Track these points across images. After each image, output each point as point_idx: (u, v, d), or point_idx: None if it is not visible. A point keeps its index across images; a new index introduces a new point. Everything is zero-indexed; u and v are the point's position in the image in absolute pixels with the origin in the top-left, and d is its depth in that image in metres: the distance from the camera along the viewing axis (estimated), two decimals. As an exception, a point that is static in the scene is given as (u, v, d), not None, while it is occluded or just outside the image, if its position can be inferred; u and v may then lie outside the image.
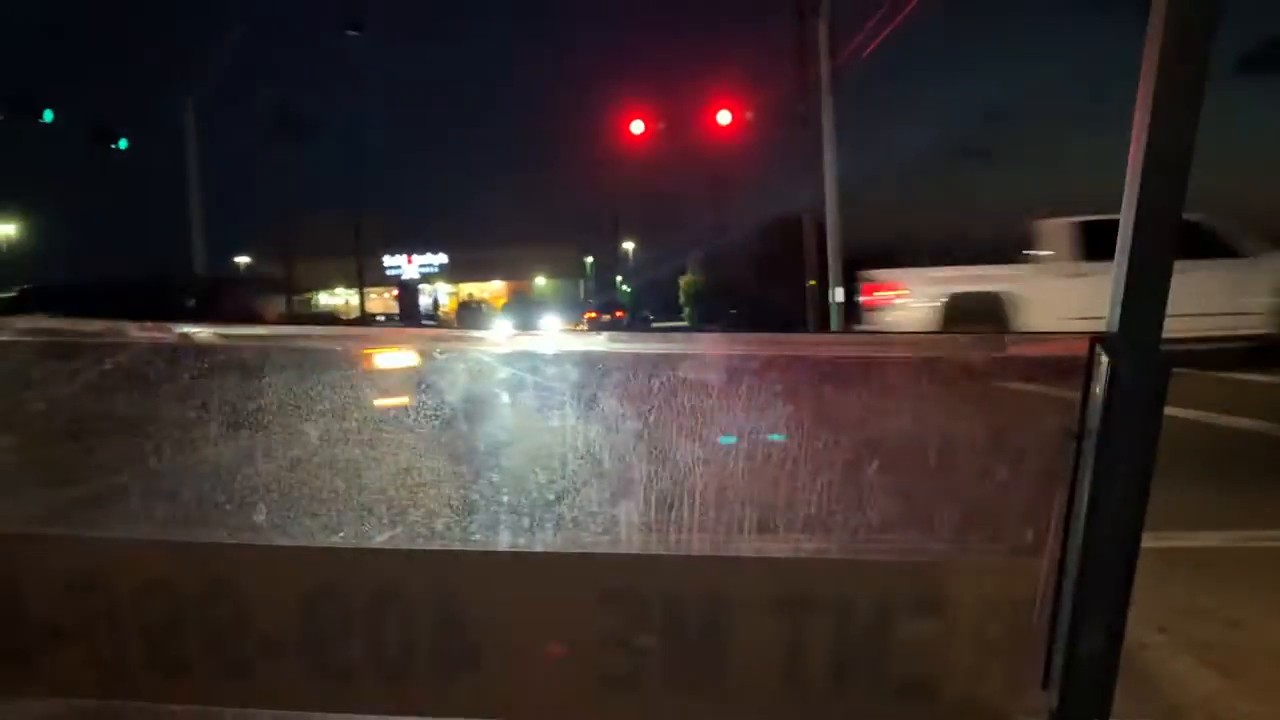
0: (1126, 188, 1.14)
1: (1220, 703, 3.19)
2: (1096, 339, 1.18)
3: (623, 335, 1.37)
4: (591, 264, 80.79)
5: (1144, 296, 1.15)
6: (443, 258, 71.37)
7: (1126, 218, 1.14)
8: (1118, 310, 1.16)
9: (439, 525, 1.41)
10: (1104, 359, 1.16)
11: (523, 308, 42.49)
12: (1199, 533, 5.15)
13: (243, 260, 71.88)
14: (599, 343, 1.38)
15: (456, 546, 1.42)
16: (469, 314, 50.55)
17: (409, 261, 70.50)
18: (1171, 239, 1.13)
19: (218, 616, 1.42)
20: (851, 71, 23.81)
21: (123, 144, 28.49)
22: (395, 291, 62.27)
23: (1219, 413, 9.52)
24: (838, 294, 24.63)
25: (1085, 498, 1.19)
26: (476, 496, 1.41)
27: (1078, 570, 1.20)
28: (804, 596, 1.35)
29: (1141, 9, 1.14)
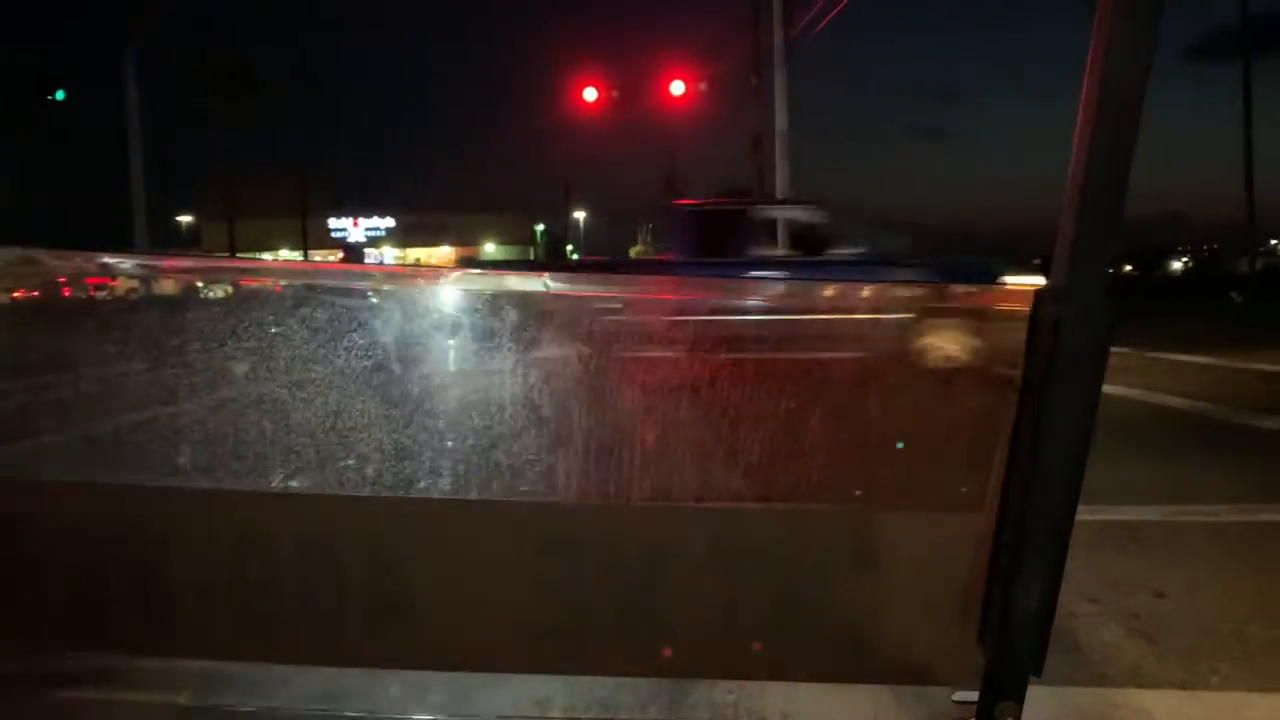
0: (1075, 142, 1.13)
1: (1145, 669, 3.27)
2: (1042, 292, 1.18)
3: (563, 277, 1.33)
4: (543, 232, 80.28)
5: (1091, 249, 1.14)
6: (390, 221, 70.45)
7: (1076, 170, 1.13)
8: (1064, 262, 1.15)
9: (370, 471, 1.37)
10: (1049, 310, 1.16)
11: None
12: (1131, 506, 5.27)
13: (184, 220, 70.46)
14: (540, 284, 1.34)
15: (387, 494, 1.38)
16: None
17: (355, 225, 69.51)
18: (1119, 194, 1.13)
19: (138, 561, 1.37)
20: (806, 44, 23.81)
21: (60, 95, 27.60)
22: (340, 254, 61.41)
23: (1152, 391, 9.75)
24: (787, 267, 24.68)
25: (1027, 451, 1.19)
26: (409, 441, 1.37)
27: (1017, 524, 1.21)
28: (743, 546, 1.34)
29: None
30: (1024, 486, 1.19)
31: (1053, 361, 1.15)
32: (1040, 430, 1.18)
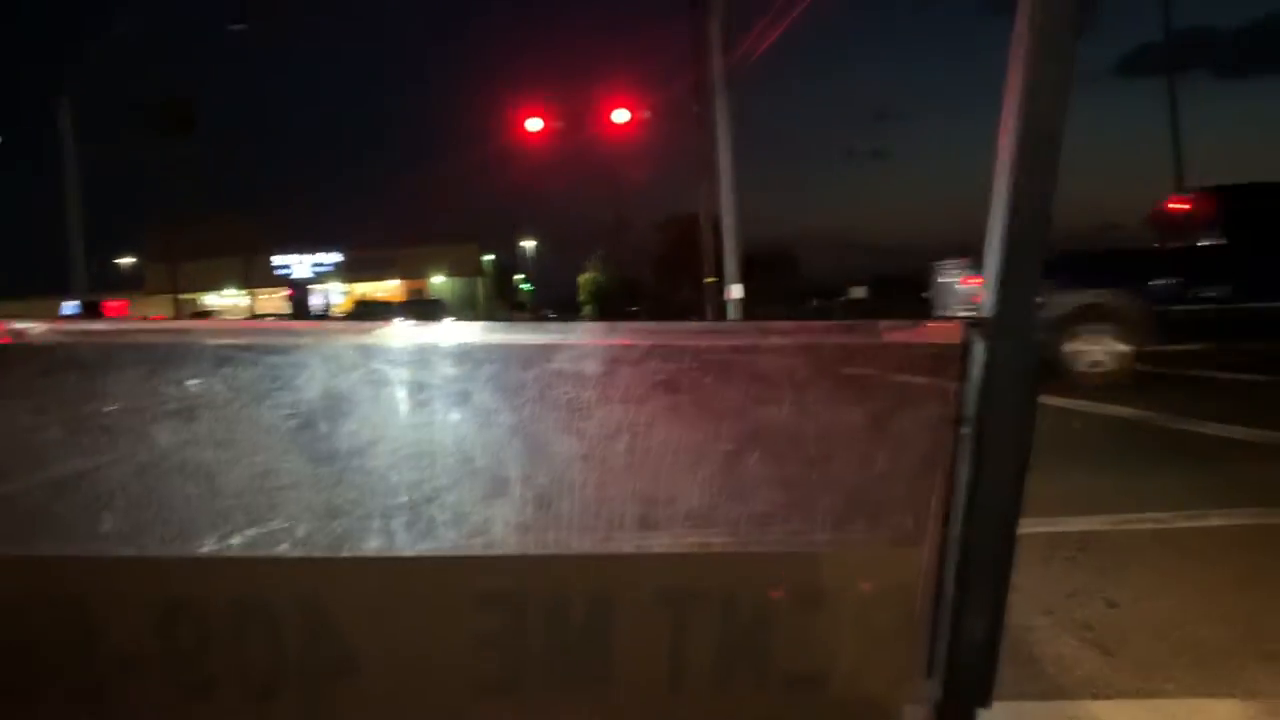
0: (995, 176, 1.14)
1: (1101, 681, 3.29)
2: (972, 324, 1.18)
3: (493, 326, 1.31)
4: (492, 262, 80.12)
5: (1017, 282, 1.15)
6: (337, 256, 69.79)
7: (998, 205, 1.14)
8: (992, 295, 1.16)
9: (301, 531, 1.34)
10: (980, 344, 1.17)
11: (419, 308, 41.80)
12: (1081, 517, 5.34)
13: (125, 262, 69.33)
14: (470, 335, 1.32)
15: (320, 554, 1.34)
16: (366, 315, 49.58)
17: (301, 261, 68.78)
18: (1042, 225, 1.14)
19: (65, 635, 1.32)
20: (747, 70, 24.10)
21: (-6, 139, 27.08)
22: (286, 291, 60.72)
23: (1098, 400, 9.92)
24: (734, 290, 24.92)
25: (964, 483, 1.19)
26: (341, 500, 1.34)
27: (958, 557, 1.21)
28: (687, 591, 1.32)
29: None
30: (963, 518, 1.20)
31: (985, 393, 1.16)
32: (976, 462, 1.18)
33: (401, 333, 1.31)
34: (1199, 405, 9.21)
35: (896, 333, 1.25)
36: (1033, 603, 3.97)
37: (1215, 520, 5.28)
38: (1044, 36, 1.10)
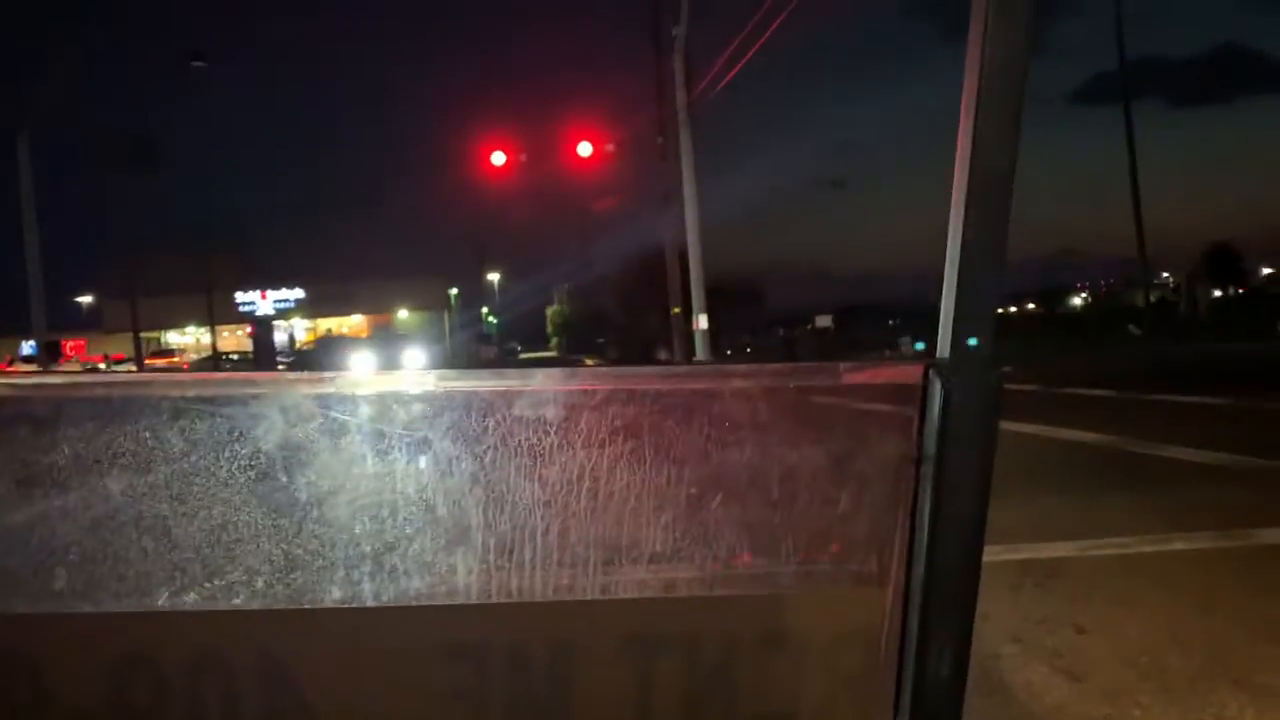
0: (951, 213, 1.16)
1: (1071, 709, 3.32)
2: (930, 364, 1.19)
3: (452, 373, 1.30)
4: (457, 295, 79.93)
5: (972, 320, 1.16)
6: (299, 292, 69.37)
7: (953, 244, 1.15)
8: (948, 335, 1.17)
9: (260, 583, 1.31)
10: (938, 384, 1.17)
11: (385, 343, 41.58)
12: (1049, 543, 5.39)
13: (84, 300, 68.48)
14: (428, 381, 1.31)
15: (280, 605, 1.32)
16: (328, 350, 49.20)
17: (263, 297, 68.27)
18: (997, 263, 1.15)
19: (15, 694, 1.29)
20: (710, 103, 24.35)
21: (-54, 176, 26.72)
22: (248, 328, 60.18)
23: (1061, 426, 10.03)
24: (701, 321, 25.04)
25: (926, 522, 1.20)
26: (300, 551, 1.32)
27: (922, 595, 1.21)
28: (651, 637, 1.31)
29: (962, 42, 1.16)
30: (925, 559, 1.20)
31: (944, 433, 1.17)
32: (937, 502, 1.18)
33: (360, 381, 1.30)
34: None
35: (856, 374, 1.26)
36: (1002, 630, 4.00)
37: (1178, 544, 5.34)
38: (991, 81, 1.12)
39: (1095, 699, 3.41)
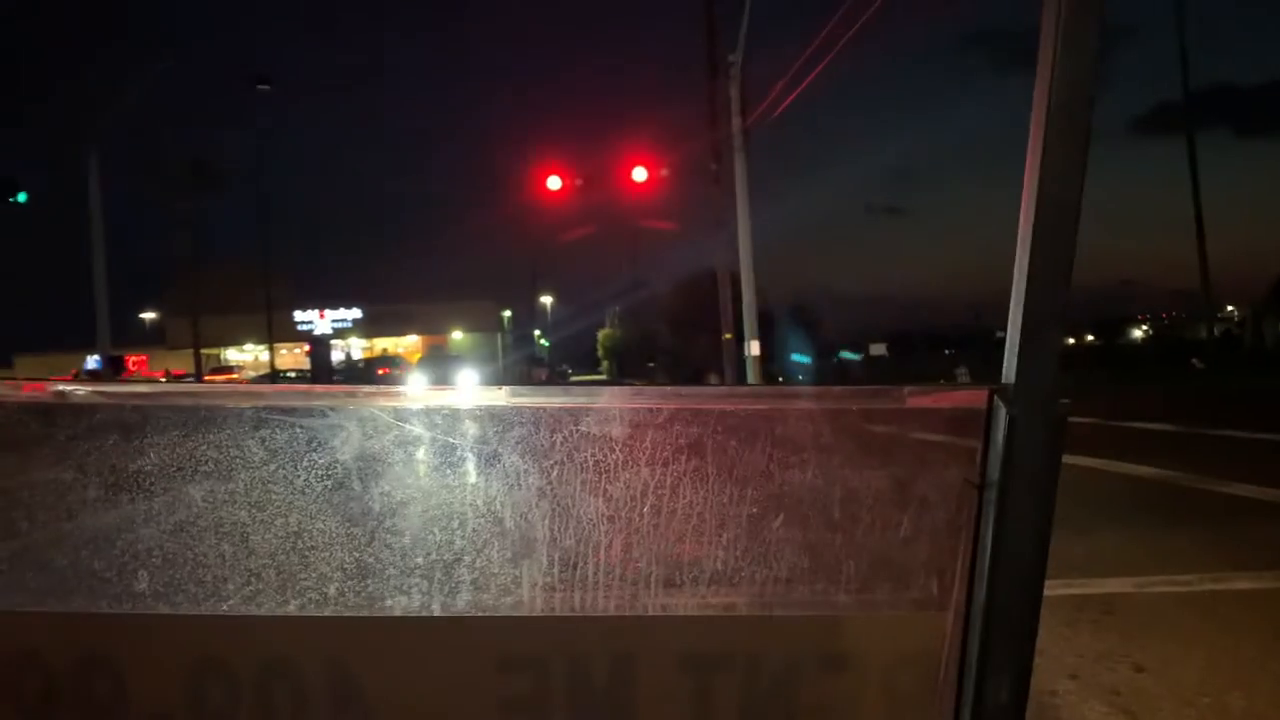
0: (1019, 242, 1.16)
1: (1129, 748, 3.25)
2: (994, 390, 1.19)
3: (523, 390, 1.34)
4: (509, 318, 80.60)
5: (1039, 348, 1.16)
6: (356, 312, 70.45)
7: (1020, 270, 1.16)
8: (1013, 362, 1.17)
9: (331, 590, 1.35)
10: (1002, 410, 1.18)
11: (438, 363, 41.98)
12: (1106, 579, 5.29)
13: (148, 316, 70.12)
14: (499, 397, 1.34)
15: (349, 613, 1.36)
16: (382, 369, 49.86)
17: (321, 316, 69.42)
18: (1063, 291, 1.15)
19: (94, 691, 1.33)
20: (764, 131, 24.36)
21: (22, 197, 27.55)
22: (306, 347, 61.10)
23: (1120, 460, 9.83)
24: (753, 347, 24.96)
25: (988, 548, 1.19)
26: (371, 560, 1.35)
27: (982, 621, 1.21)
28: (711, 654, 1.32)
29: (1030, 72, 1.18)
30: (987, 584, 1.20)
31: (1008, 459, 1.17)
32: (1000, 528, 1.18)
33: (433, 395, 1.34)
34: None
35: (920, 397, 1.27)
36: (1059, 666, 3.93)
37: (1241, 584, 5.21)
38: (1060, 113, 1.13)
39: (1154, 739, 3.34)
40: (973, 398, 1.21)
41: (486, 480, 1.35)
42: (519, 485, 1.35)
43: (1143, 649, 4.21)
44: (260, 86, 45.06)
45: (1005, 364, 1.19)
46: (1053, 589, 5.17)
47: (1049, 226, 1.14)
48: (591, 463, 1.33)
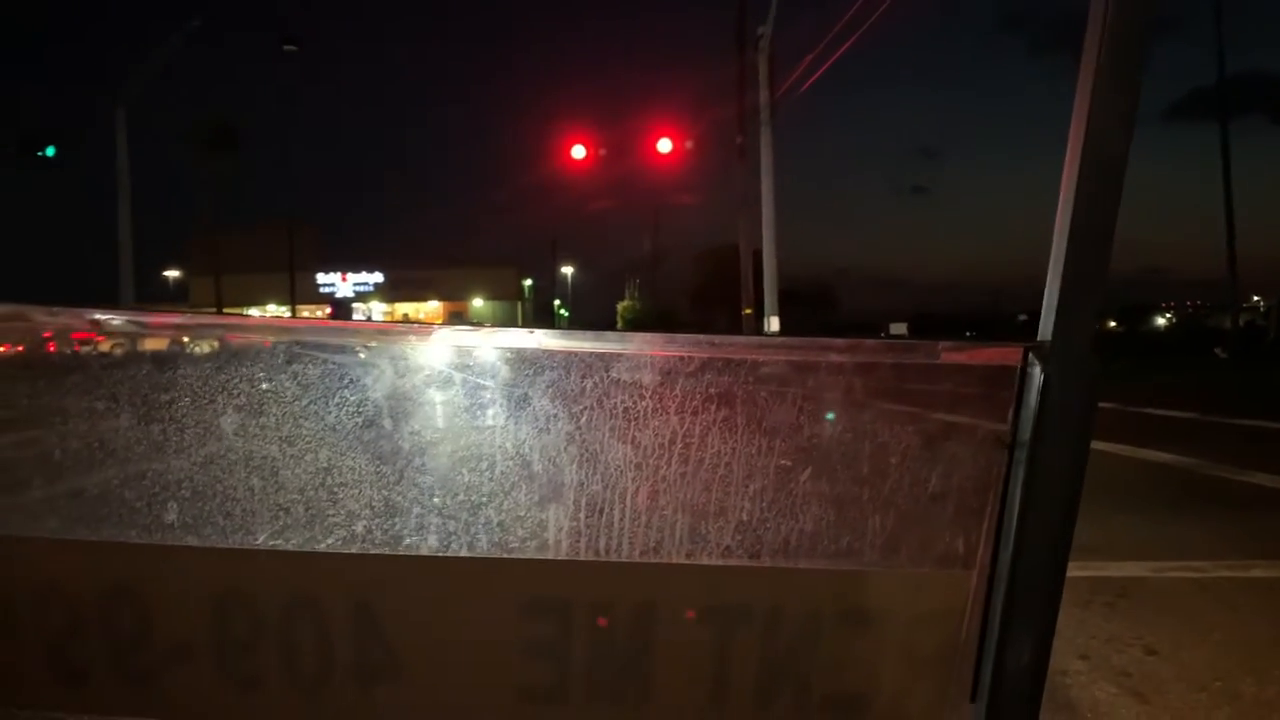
0: (1061, 198, 1.15)
1: (1138, 729, 3.25)
2: (1030, 348, 1.18)
3: (555, 333, 1.33)
4: (530, 287, 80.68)
5: (1077, 305, 1.15)
6: (378, 276, 70.66)
7: (1061, 227, 1.15)
8: (1050, 319, 1.16)
9: (359, 528, 1.36)
10: (1037, 367, 1.17)
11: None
12: (1122, 562, 5.27)
13: (171, 274, 70.56)
14: (533, 340, 1.34)
15: (374, 550, 1.37)
16: None
17: (343, 279, 69.67)
18: (1105, 250, 1.14)
19: (120, 621, 1.35)
20: (792, 103, 24.17)
21: (50, 151, 27.69)
22: (328, 309, 61.40)
23: (1140, 446, 9.78)
24: (773, 323, 24.91)
25: (1016, 508, 1.19)
26: (399, 498, 1.36)
27: (1007, 581, 1.20)
28: (733, 604, 1.33)
29: (1079, 27, 1.16)
30: (1014, 544, 1.19)
31: (1040, 418, 1.16)
32: (1029, 487, 1.18)
33: (465, 335, 1.34)
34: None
35: (954, 353, 1.26)
36: (1070, 647, 3.93)
37: (1256, 571, 5.19)
38: (1111, 66, 1.11)
39: (1163, 722, 3.34)
40: (1007, 355, 1.20)
41: (516, 423, 1.36)
42: (548, 430, 1.35)
43: (1155, 632, 4.20)
44: (286, 48, 44.98)
45: (1042, 322, 1.18)
46: (1068, 571, 5.14)
47: (1093, 182, 1.12)
48: (621, 409, 1.33)
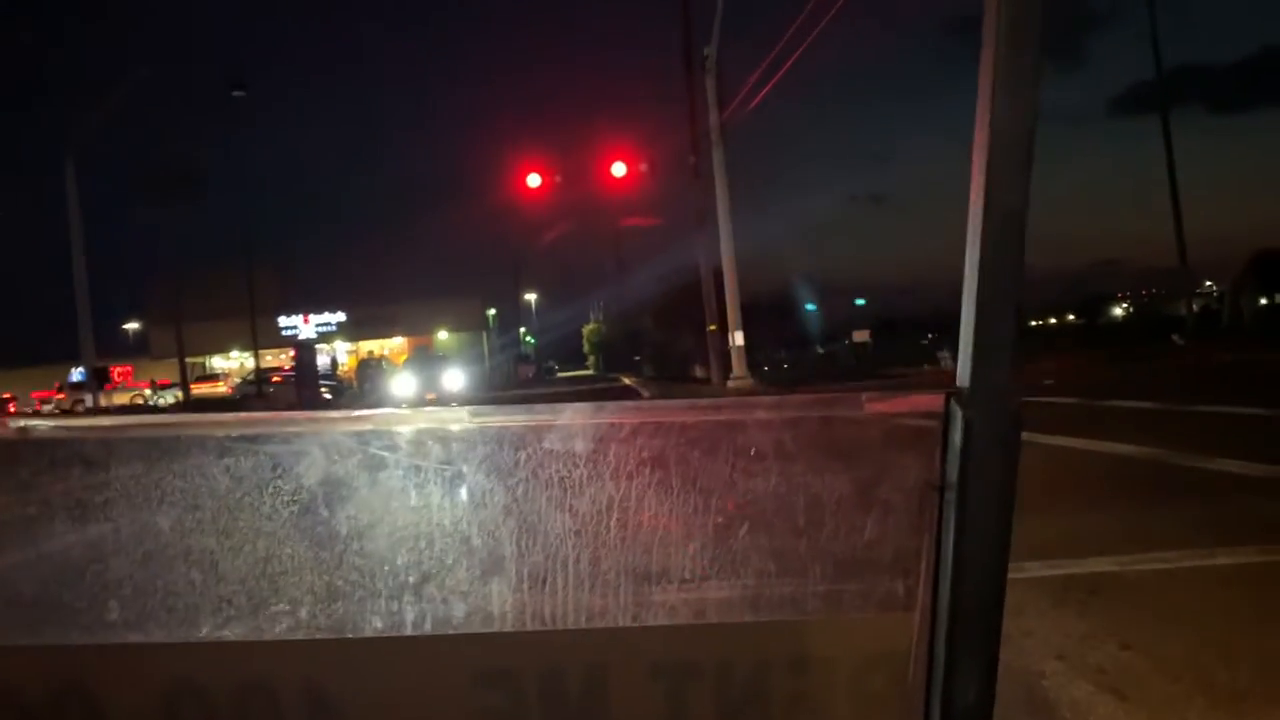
0: (968, 247, 1.18)
1: (1117, 727, 3.28)
2: (950, 394, 1.21)
3: (486, 409, 1.35)
4: (495, 316, 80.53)
5: (993, 350, 1.18)
6: (341, 316, 70.28)
7: (970, 273, 1.17)
8: (968, 365, 1.19)
9: (303, 614, 1.36)
10: (959, 413, 1.19)
11: (425, 364, 41.82)
12: (1090, 558, 5.32)
13: (131, 327, 69.75)
14: (463, 418, 1.35)
15: (322, 635, 1.36)
16: (369, 372, 49.77)
17: (305, 321, 69.22)
18: (1016, 292, 1.17)
19: None
20: (744, 119, 24.35)
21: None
22: (291, 352, 60.90)
23: (1102, 439, 9.89)
24: (737, 338, 25.00)
25: (950, 550, 1.21)
26: (341, 582, 1.36)
27: (948, 622, 1.22)
28: (683, 662, 1.34)
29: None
30: (950, 585, 1.21)
31: (965, 461, 1.18)
32: (960, 528, 1.20)
33: (397, 418, 1.35)
34: None
35: (878, 403, 1.28)
36: (1045, 647, 3.96)
37: (1222, 559, 5.26)
38: (1005, 117, 1.14)
39: (1141, 717, 3.37)
40: (930, 402, 1.22)
41: (452, 500, 1.36)
42: (485, 504, 1.36)
43: (1128, 628, 4.24)
44: (235, 93, 44.73)
45: (959, 368, 1.20)
46: (1037, 570, 5.21)
47: (998, 232, 1.15)
48: (557, 479, 1.34)
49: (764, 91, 21.95)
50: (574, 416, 1.36)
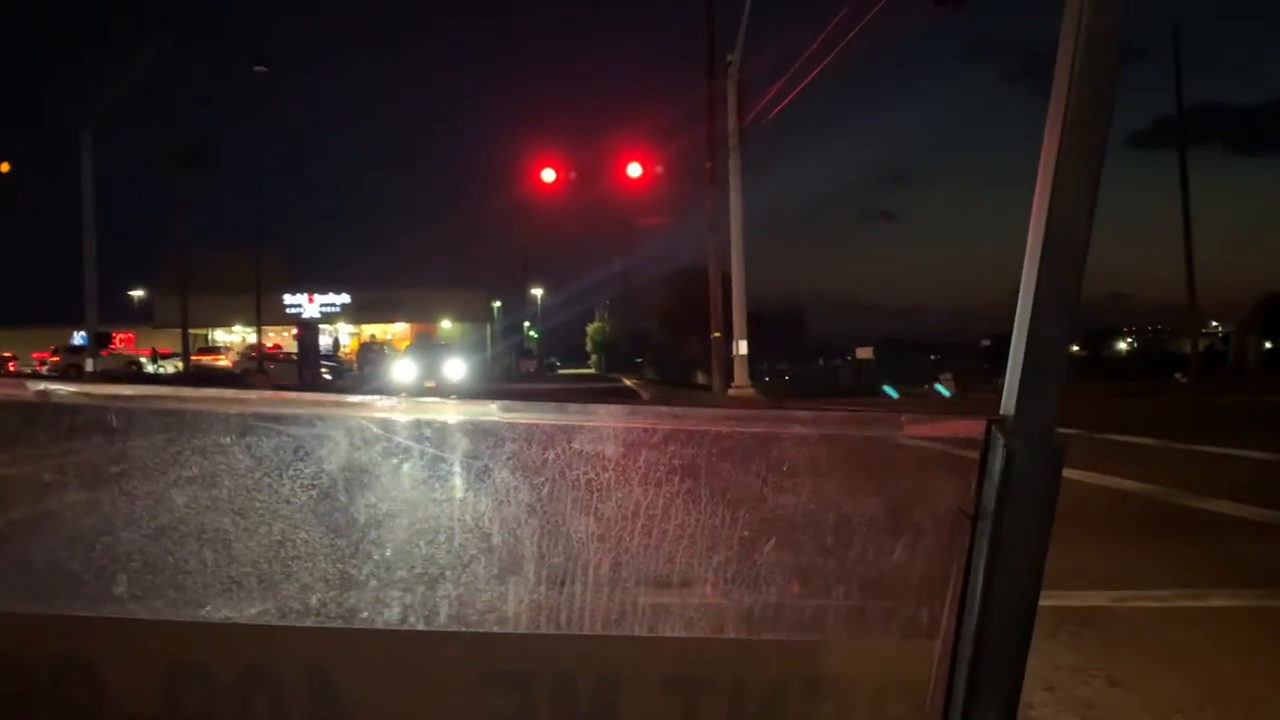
0: (1024, 269, 1.15)
1: (1103, 763, 3.25)
2: (993, 421, 1.18)
3: (517, 405, 1.32)
4: (499, 308, 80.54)
5: (1039, 378, 1.15)
6: (345, 298, 70.24)
7: (1024, 299, 1.15)
8: (1013, 392, 1.16)
9: (314, 600, 1.33)
10: (1000, 440, 1.17)
11: (426, 351, 41.76)
12: (1085, 592, 5.30)
13: (137, 294, 69.79)
14: (492, 412, 1.32)
15: (331, 624, 1.34)
16: (370, 356, 49.78)
17: (310, 300, 69.19)
18: (1067, 321, 1.14)
19: (70, 694, 1.31)
20: (761, 130, 24.34)
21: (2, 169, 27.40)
22: (295, 330, 60.83)
23: (1103, 473, 9.87)
24: (741, 347, 24.98)
25: (980, 579, 1.18)
26: (355, 571, 1.33)
27: (971, 652, 1.20)
28: (697, 677, 1.31)
29: (1044, 92, 1.16)
30: (978, 614, 1.19)
31: (1003, 491, 1.16)
32: (993, 558, 1.17)
33: (425, 407, 1.32)
34: None
35: (918, 426, 1.26)
36: (1034, 678, 3.93)
37: (1218, 600, 5.23)
38: (1073, 138, 1.11)
39: (1128, 754, 3.35)
40: (970, 428, 1.19)
41: (475, 495, 1.34)
42: (508, 501, 1.33)
43: (1118, 663, 4.22)
44: (257, 69, 44.76)
45: (1005, 395, 1.17)
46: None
47: (1056, 259, 1.12)
48: (584, 481, 1.32)
49: (783, 104, 21.95)
50: (607, 419, 1.33)
